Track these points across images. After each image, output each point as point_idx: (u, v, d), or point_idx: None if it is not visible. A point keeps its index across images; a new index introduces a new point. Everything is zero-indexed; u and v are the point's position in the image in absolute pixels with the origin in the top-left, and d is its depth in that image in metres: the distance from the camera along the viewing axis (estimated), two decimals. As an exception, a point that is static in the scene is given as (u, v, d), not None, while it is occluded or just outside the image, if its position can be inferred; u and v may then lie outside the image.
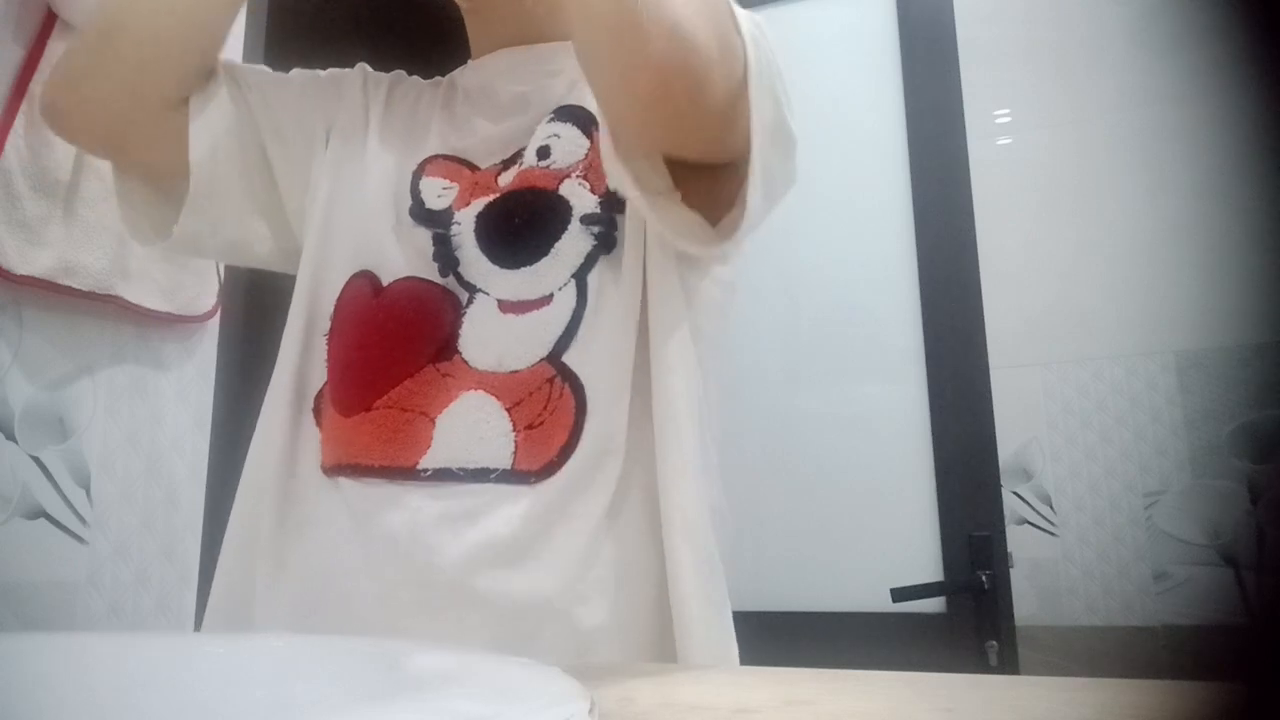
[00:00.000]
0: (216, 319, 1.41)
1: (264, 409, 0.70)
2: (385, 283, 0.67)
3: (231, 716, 0.33)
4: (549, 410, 0.61)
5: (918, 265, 1.53)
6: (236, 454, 1.40)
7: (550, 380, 0.62)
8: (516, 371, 0.62)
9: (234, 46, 1.45)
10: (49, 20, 1.15)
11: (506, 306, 0.64)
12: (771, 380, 1.58)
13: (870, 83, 1.61)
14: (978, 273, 1.49)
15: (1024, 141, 1.71)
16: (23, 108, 1.11)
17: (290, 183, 0.75)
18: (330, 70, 0.79)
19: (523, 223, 0.63)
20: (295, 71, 0.77)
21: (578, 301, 0.63)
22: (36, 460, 1.13)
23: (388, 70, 0.81)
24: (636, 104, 0.57)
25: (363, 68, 0.80)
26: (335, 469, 0.64)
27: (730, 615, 0.66)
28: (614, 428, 0.61)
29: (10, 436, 1.10)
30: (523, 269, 0.64)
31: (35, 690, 0.33)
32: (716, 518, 0.65)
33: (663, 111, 0.57)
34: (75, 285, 1.14)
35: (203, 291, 1.36)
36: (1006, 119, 1.73)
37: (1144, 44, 1.66)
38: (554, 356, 0.62)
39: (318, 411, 0.68)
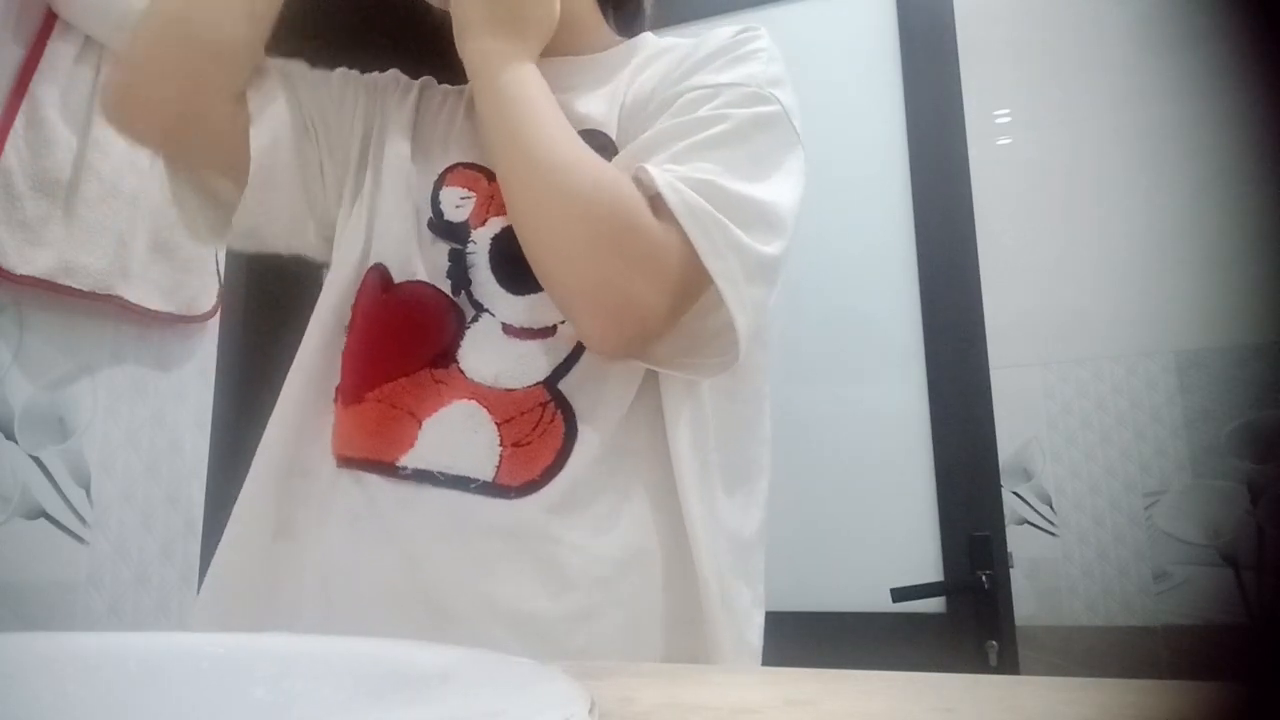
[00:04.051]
0: (216, 319, 1.41)
1: (280, 399, 0.70)
2: (396, 280, 0.68)
3: (231, 716, 0.33)
4: (538, 432, 0.61)
5: (918, 265, 1.53)
6: (236, 454, 1.41)
7: (544, 404, 0.62)
8: (511, 390, 0.62)
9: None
10: (49, 20, 1.15)
11: (510, 330, 0.64)
12: (772, 380, 1.58)
13: (870, 83, 1.61)
14: (978, 272, 1.49)
15: (1024, 141, 1.71)
16: (23, 108, 1.11)
17: (332, 175, 0.75)
18: (368, 74, 0.79)
19: None
20: (336, 71, 0.78)
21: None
22: (36, 460, 1.13)
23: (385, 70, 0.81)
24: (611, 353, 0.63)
25: (395, 74, 0.80)
26: (338, 459, 0.65)
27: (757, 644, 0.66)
28: (604, 456, 0.62)
29: (10, 436, 1.10)
30: (530, 295, 0.64)
31: (35, 690, 0.33)
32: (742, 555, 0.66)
33: (628, 354, 0.62)
34: (75, 285, 1.14)
35: (203, 291, 1.36)
36: (1006, 119, 1.73)
37: (1143, 44, 1.66)
38: (550, 382, 0.62)
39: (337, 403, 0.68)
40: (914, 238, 1.53)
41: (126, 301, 1.21)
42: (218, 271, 1.38)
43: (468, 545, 0.59)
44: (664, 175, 0.58)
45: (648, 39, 0.77)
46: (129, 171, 1.21)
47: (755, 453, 0.71)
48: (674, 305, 0.59)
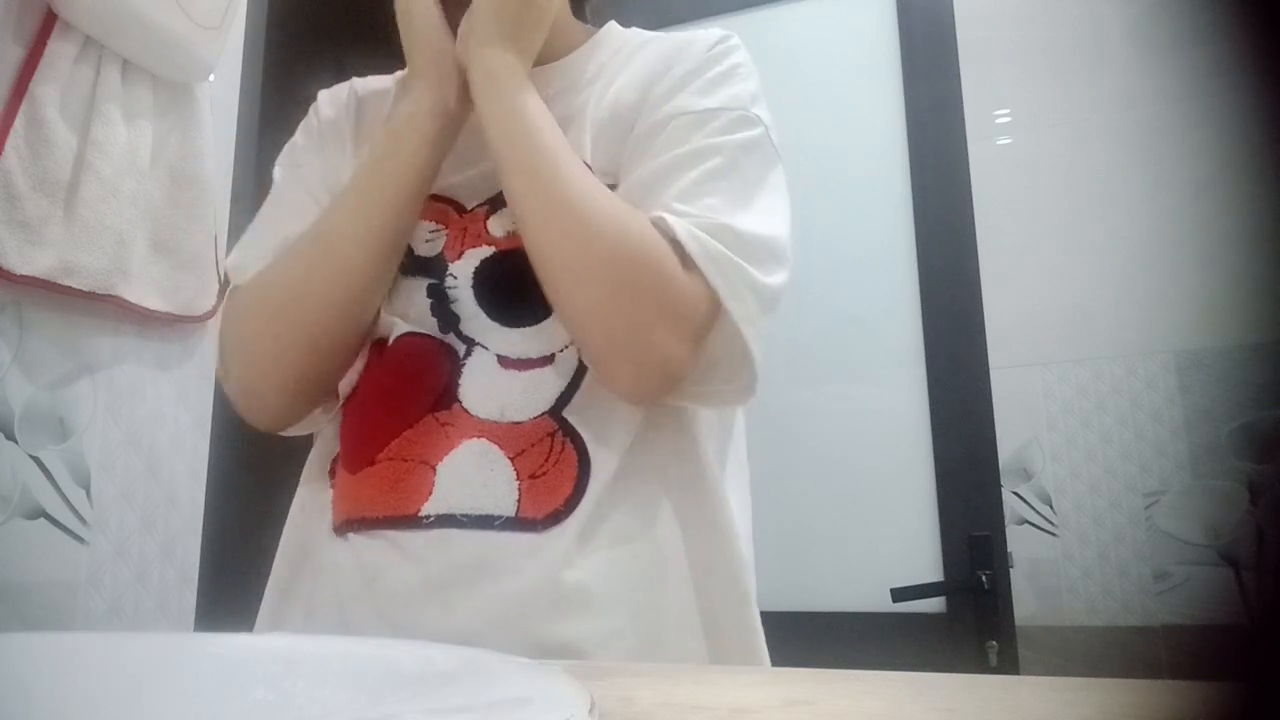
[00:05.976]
0: (216, 319, 1.40)
1: (303, 472, 0.72)
2: (389, 342, 0.68)
3: (231, 716, 0.33)
4: (552, 462, 0.61)
5: (917, 265, 1.53)
6: (237, 454, 1.41)
7: (552, 435, 0.62)
8: (519, 423, 0.62)
9: (234, 46, 1.45)
10: (49, 20, 1.15)
11: (507, 363, 0.63)
12: (771, 380, 1.58)
13: (870, 83, 1.61)
14: (978, 272, 1.49)
15: (1024, 141, 1.71)
16: (23, 108, 1.11)
17: None
18: (300, 135, 0.77)
19: (528, 283, 0.61)
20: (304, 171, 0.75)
21: (580, 363, 0.63)
22: (36, 460, 1.13)
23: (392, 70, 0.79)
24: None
25: (315, 107, 0.78)
26: (344, 525, 0.64)
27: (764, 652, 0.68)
28: (619, 482, 0.62)
29: (10, 436, 1.10)
30: (524, 328, 0.64)
31: (35, 690, 0.33)
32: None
33: (655, 400, 0.63)
34: (75, 285, 1.14)
35: (203, 291, 1.36)
36: (1006, 119, 1.73)
37: (1143, 44, 1.66)
38: (555, 411, 0.62)
39: (333, 474, 0.68)
40: (914, 238, 1.54)
41: (126, 301, 1.21)
42: (218, 272, 1.38)
43: (499, 583, 0.59)
44: (683, 223, 0.59)
45: (612, 32, 0.75)
46: (129, 171, 1.21)
47: (739, 446, 0.73)
48: (696, 350, 0.60)
